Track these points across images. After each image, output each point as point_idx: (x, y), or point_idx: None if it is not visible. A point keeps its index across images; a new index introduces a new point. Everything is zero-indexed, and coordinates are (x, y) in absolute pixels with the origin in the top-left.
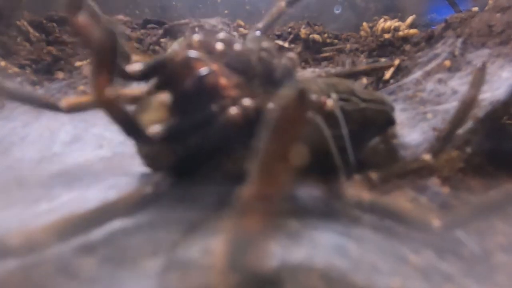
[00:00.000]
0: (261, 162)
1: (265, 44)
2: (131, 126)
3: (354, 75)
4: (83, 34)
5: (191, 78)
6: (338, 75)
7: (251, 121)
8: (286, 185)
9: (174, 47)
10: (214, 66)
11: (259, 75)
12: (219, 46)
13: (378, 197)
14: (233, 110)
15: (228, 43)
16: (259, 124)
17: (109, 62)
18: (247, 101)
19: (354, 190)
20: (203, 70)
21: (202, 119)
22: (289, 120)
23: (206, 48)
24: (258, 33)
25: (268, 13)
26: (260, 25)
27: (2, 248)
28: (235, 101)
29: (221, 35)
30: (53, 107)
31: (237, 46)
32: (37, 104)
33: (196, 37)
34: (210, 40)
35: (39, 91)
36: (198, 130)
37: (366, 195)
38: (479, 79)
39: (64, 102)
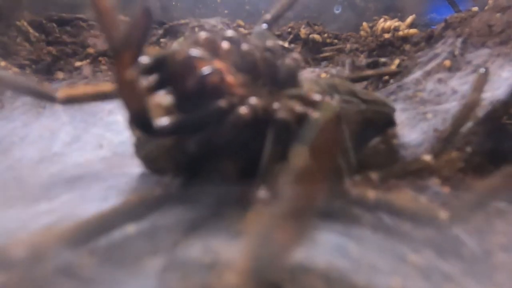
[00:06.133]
0: (298, 171)
1: (270, 43)
2: (143, 115)
3: (360, 80)
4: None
5: (193, 78)
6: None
7: (259, 121)
8: (322, 194)
9: (175, 47)
10: (220, 64)
11: (264, 75)
12: (225, 45)
13: (383, 194)
14: (243, 110)
15: (235, 41)
16: (266, 125)
17: (139, 42)
18: (254, 100)
19: (359, 188)
20: (206, 70)
21: (211, 114)
22: (326, 137)
23: (212, 46)
24: (264, 26)
25: (278, 2)
26: (268, 16)
27: (4, 259)
28: (242, 100)
29: (229, 32)
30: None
31: (244, 46)
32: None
33: (203, 35)
34: (216, 38)
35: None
36: (206, 126)
37: (371, 193)
38: (481, 83)
39: (61, 92)
